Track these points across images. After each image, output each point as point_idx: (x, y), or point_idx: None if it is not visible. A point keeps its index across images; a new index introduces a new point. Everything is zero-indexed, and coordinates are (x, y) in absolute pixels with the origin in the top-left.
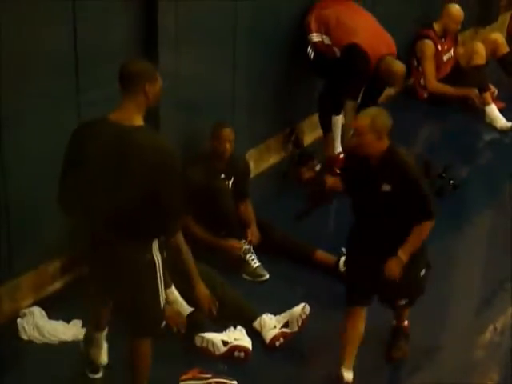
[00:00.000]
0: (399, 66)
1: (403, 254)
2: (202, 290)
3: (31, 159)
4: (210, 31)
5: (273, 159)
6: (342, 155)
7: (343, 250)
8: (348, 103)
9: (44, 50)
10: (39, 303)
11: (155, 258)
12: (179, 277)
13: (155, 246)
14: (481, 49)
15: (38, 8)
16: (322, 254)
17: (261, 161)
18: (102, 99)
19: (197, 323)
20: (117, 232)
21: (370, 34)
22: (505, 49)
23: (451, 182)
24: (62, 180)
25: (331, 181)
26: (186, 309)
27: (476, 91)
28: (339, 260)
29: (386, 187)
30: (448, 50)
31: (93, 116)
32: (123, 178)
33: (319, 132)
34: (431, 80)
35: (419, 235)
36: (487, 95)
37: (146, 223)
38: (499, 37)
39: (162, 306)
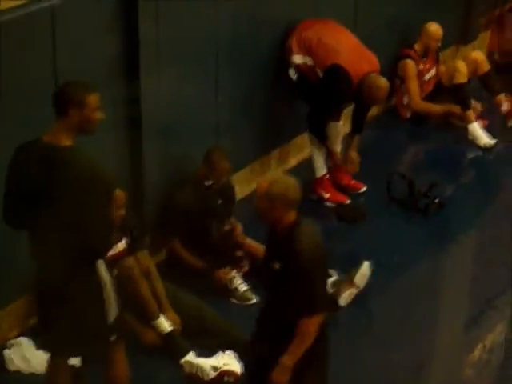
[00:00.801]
0: (383, 82)
1: (287, 359)
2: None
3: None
4: (191, 54)
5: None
6: (326, 177)
7: (330, 271)
8: (331, 124)
9: (23, 75)
10: (26, 333)
11: (102, 278)
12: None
13: (102, 266)
14: (462, 67)
15: (18, 34)
16: None
17: (246, 184)
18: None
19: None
20: (58, 251)
21: (352, 53)
22: (486, 67)
23: (436, 200)
24: (5, 199)
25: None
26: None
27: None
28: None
29: (276, 264)
30: (430, 69)
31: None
32: (52, 196)
33: (304, 154)
34: (416, 99)
35: (302, 334)
36: (470, 113)
37: (80, 243)
38: (480, 55)
39: (109, 322)
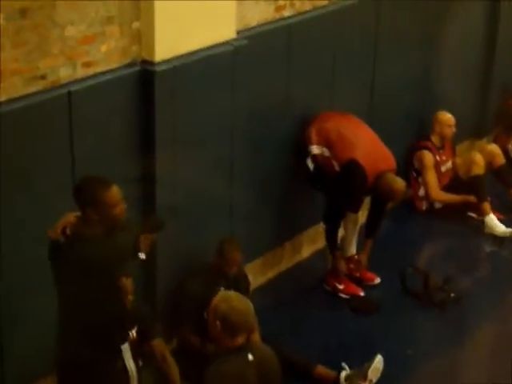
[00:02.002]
0: (399, 184)
1: None
2: None
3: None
4: (207, 139)
5: (271, 273)
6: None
7: (343, 364)
8: (349, 215)
9: (41, 159)
10: None
11: (128, 367)
12: None
13: (127, 353)
14: (479, 159)
15: (35, 120)
16: (322, 370)
17: (259, 275)
18: None
19: None
20: (86, 338)
21: (370, 149)
22: (501, 160)
23: (452, 294)
24: None
25: None
26: None
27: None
28: (339, 375)
29: None
30: (446, 161)
31: None
32: (78, 283)
33: (317, 245)
34: (434, 189)
35: None
36: (486, 205)
37: (104, 327)
38: (495, 148)
39: None
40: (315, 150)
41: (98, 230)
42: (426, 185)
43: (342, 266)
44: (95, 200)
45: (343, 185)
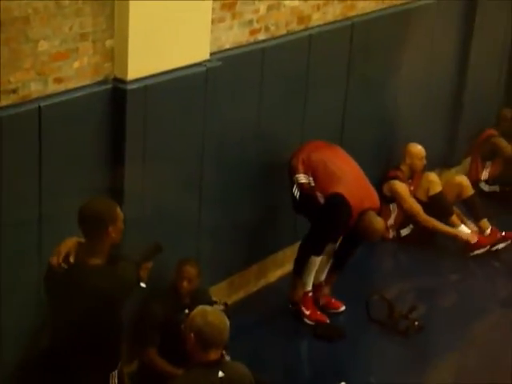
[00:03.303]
0: (379, 224)
1: None
2: None
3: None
4: (176, 156)
5: (236, 296)
6: (310, 294)
7: None
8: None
9: (8, 175)
10: None
11: None
12: None
13: (114, 380)
14: (434, 177)
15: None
16: None
17: (225, 297)
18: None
19: None
20: (78, 362)
21: (355, 185)
22: (470, 191)
23: (416, 322)
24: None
25: None
26: None
27: (463, 231)
28: None
29: None
30: (413, 192)
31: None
32: (79, 311)
33: (285, 269)
34: (420, 213)
35: None
36: (454, 218)
37: (100, 355)
38: (464, 179)
39: None
40: (302, 179)
41: (103, 257)
42: (410, 212)
43: (299, 295)
44: (115, 216)
45: (327, 217)
